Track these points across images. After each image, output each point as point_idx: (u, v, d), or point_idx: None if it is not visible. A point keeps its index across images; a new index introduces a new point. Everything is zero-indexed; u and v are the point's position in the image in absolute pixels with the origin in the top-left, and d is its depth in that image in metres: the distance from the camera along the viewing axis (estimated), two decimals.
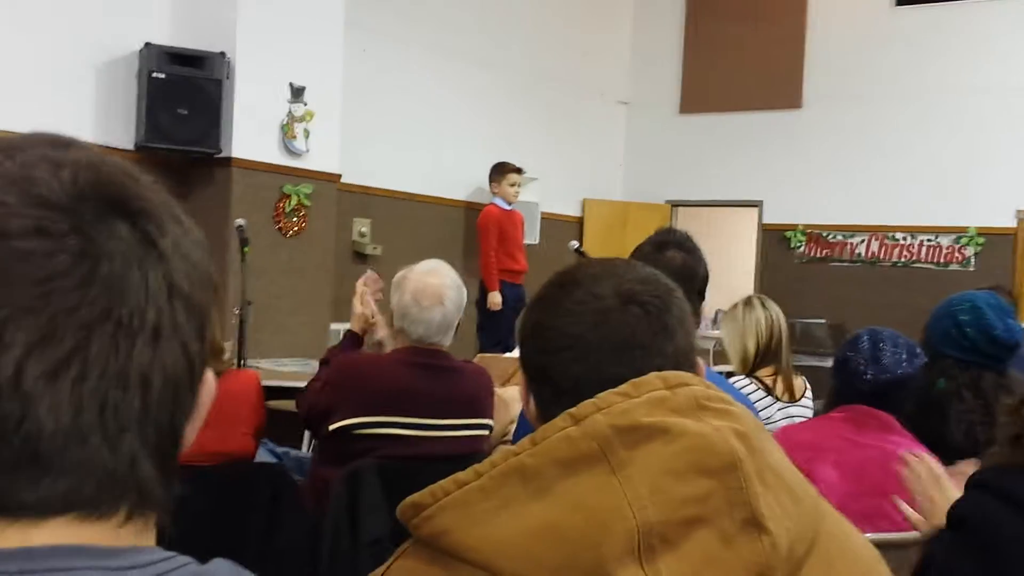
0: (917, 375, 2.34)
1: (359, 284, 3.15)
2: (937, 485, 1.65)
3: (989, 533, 1.23)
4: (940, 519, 1.59)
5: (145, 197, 0.61)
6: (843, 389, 2.37)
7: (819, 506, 1.01)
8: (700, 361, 1.15)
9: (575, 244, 5.93)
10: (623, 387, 0.95)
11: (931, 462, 1.71)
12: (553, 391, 1.08)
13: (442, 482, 0.92)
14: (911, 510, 1.66)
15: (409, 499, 0.93)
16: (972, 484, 1.35)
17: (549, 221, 8.50)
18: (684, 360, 1.06)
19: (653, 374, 0.97)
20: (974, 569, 1.23)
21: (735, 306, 3.45)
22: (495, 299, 6.98)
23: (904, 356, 2.32)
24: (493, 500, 0.90)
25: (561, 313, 1.10)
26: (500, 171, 7.36)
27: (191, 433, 0.64)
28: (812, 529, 0.97)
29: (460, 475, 0.92)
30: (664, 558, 0.86)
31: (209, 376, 0.64)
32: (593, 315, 1.08)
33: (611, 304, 1.08)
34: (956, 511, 1.33)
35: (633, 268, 1.14)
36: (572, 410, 0.93)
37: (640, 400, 0.93)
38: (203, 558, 0.63)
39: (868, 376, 2.29)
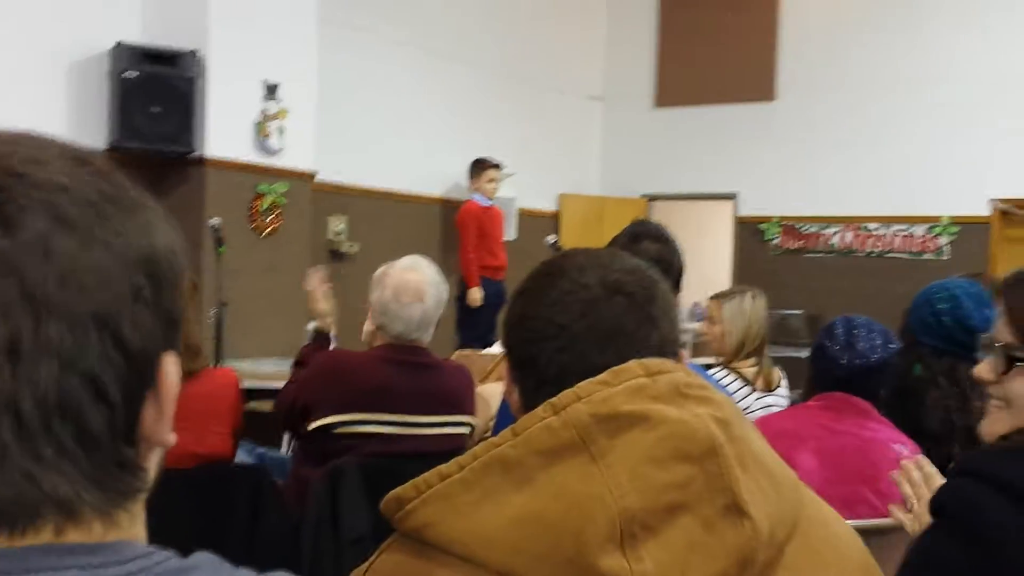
0: (892, 361, 2.36)
1: (313, 283, 3.20)
2: (928, 487, 1.65)
3: (972, 518, 1.23)
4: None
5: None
6: (820, 377, 2.38)
7: (799, 491, 1.02)
8: (682, 351, 1.15)
9: (552, 239, 5.94)
10: (603, 376, 0.95)
11: (924, 464, 1.70)
12: (537, 381, 1.07)
13: (425, 475, 0.92)
14: (903, 516, 1.66)
15: (392, 493, 0.93)
16: (954, 471, 1.35)
17: (526, 217, 8.50)
18: (668, 349, 1.06)
19: (633, 362, 0.97)
20: (959, 556, 1.23)
21: (739, 296, 3.47)
22: (475, 295, 6.98)
23: (879, 342, 2.34)
24: (475, 492, 0.90)
25: (547, 303, 1.09)
26: (479, 167, 7.36)
27: (158, 429, 0.63)
28: (793, 513, 0.98)
29: (442, 468, 0.92)
30: (646, 545, 0.87)
31: (169, 366, 0.63)
32: (579, 305, 1.07)
33: (597, 294, 1.07)
34: (938, 499, 1.33)
35: (619, 258, 1.14)
36: (552, 400, 0.93)
37: (620, 388, 0.94)
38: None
39: (844, 362, 2.31)
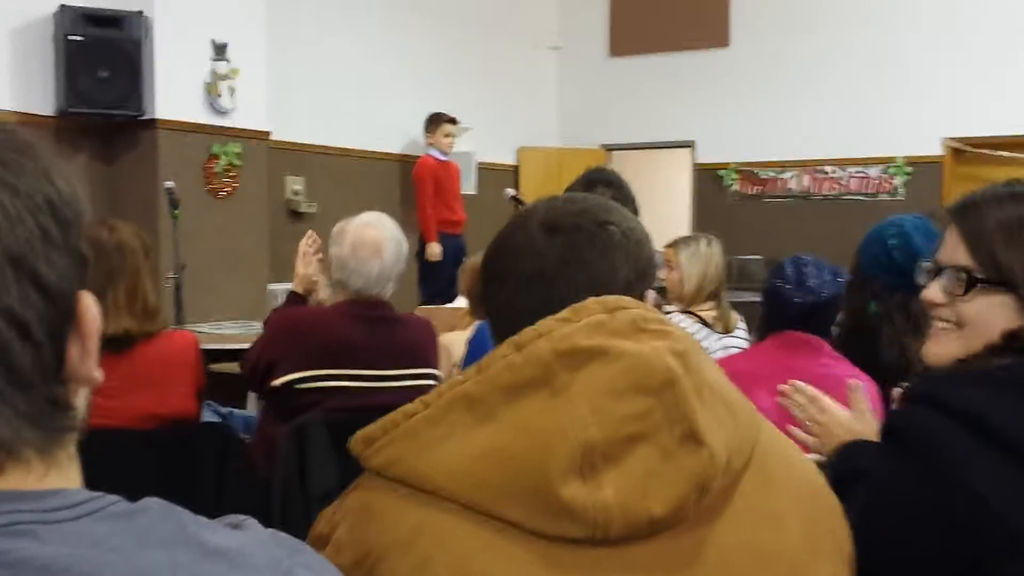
0: (842, 296, 2.41)
1: (302, 245, 3.15)
2: (818, 407, 1.70)
3: (925, 445, 1.25)
4: (833, 440, 1.64)
5: None
6: (773, 317, 2.42)
7: (756, 421, 1.04)
8: (651, 293, 1.16)
9: (511, 192, 5.93)
10: (563, 313, 0.98)
11: (809, 388, 1.73)
12: (489, 322, 1.13)
13: (391, 414, 0.95)
14: (807, 435, 1.70)
15: (360, 432, 0.96)
16: (907, 397, 1.37)
17: (485, 171, 8.47)
18: (604, 290, 1.04)
19: (592, 299, 0.99)
20: (913, 482, 1.25)
21: (695, 241, 3.51)
22: (433, 250, 6.96)
23: (828, 277, 2.39)
24: (441, 428, 0.92)
25: (493, 249, 1.14)
26: (435, 122, 7.31)
27: (83, 367, 0.64)
28: (750, 442, 1.00)
29: (408, 406, 0.95)
30: (606, 474, 0.89)
31: (87, 304, 0.64)
32: (517, 248, 1.11)
33: (534, 237, 1.10)
34: (893, 424, 1.34)
35: (571, 202, 1.15)
36: (515, 338, 0.95)
37: (580, 324, 0.96)
38: None
39: (797, 300, 2.35)
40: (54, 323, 0.61)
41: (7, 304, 0.58)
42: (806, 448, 1.66)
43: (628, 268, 1.11)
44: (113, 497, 0.62)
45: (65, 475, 0.62)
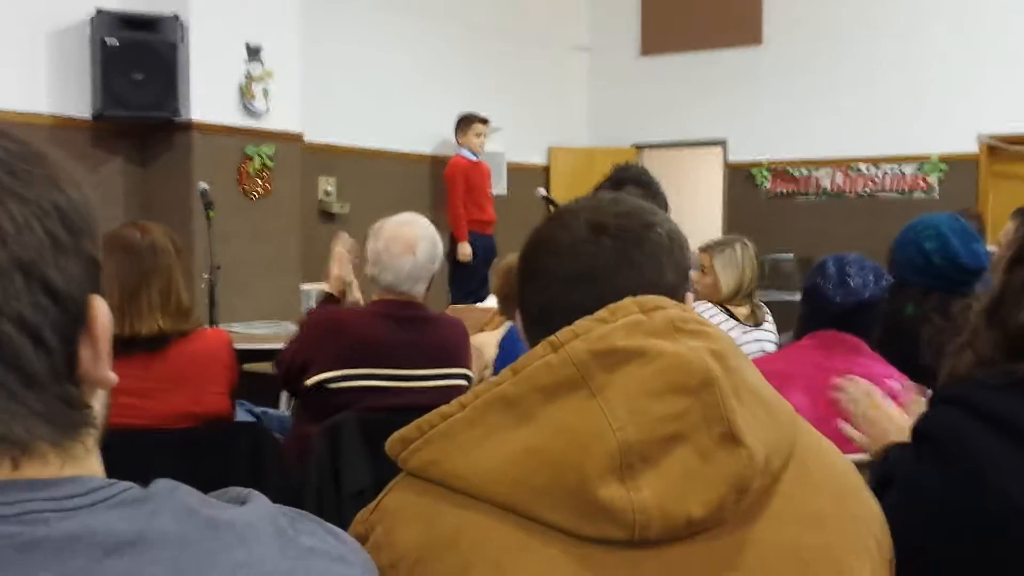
0: (884, 297, 2.38)
1: (336, 247, 3.15)
2: (872, 404, 1.69)
3: (954, 446, 1.26)
4: (883, 438, 1.64)
5: None
6: (812, 315, 2.39)
7: (794, 421, 1.04)
8: (689, 294, 1.15)
9: (542, 191, 5.92)
10: (600, 313, 0.97)
11: (863, 383, 1.73)
12: (526, 320, 1.11)
13: (428, 415, 0.95)
14: (857, 432, 1.70)
15: (396, 434, 0.96)
16: (937, 400, 1.38)
17: (516, 171, 8.47)
18: (652, 292, 1.04)
19: (629, 299, 0.99)
20: (941, 482, 1.26)
21: (730, 246, 3.51)
22: (464, 250, 6.98)
23: (871, 278, 2.35)
24: (478, 429, 0.92)
25: (535, 247, 1.12)
26: (466, 122, 7.33)
27: (96, 369, 0.65)
28: (788, 443, 0.99)
29: (445, 408, 0.94)
30: (644, 475, 0.89)
31: (98, 307, 0.65)
32: (562, 247, 1.09)
33: (580, 236, 1.09)
34: (921, 427, 1.36)
35: (615, 202, 1.14)
36: (551, 338, 0.95)
37: (617, 324, 0.95)
38: None
39: (837, 300, 2.32)
40: (65, 327, 0.62)
41: (17, 310, 0.60)
42: (853, 446, 1.67)
43: (673, 271, 1.10)
44: (126, 484, 0.63)
45: (82, 466, 0.64)
